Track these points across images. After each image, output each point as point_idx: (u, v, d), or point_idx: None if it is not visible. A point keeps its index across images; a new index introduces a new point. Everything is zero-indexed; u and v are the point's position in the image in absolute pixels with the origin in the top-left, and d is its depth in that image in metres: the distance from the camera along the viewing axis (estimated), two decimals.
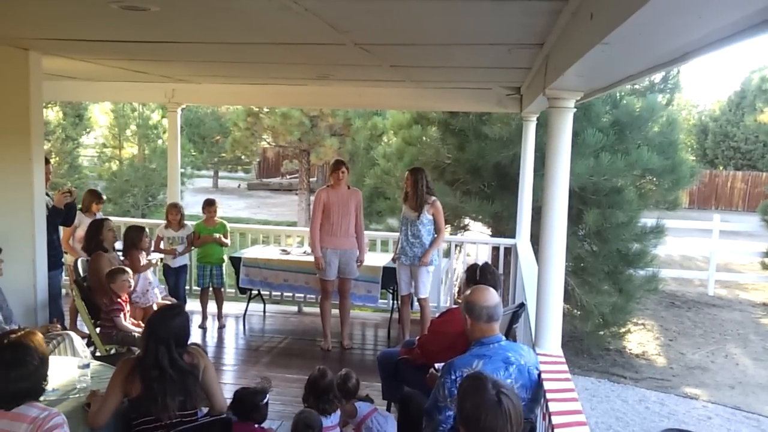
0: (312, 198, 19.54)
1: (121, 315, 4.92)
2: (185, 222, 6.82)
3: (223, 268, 6.99)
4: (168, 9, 3.01)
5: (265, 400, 3.67)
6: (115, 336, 4.90)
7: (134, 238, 5.66)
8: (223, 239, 6.83)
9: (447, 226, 9.98)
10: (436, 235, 6.08)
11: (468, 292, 3.31)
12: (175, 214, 6.70)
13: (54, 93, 8.51)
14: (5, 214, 4.77)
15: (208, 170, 28.46)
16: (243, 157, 24.94)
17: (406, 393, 3.89)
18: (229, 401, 3.54)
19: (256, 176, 31.31)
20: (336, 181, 6.16)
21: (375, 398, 4.54)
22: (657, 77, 9.90)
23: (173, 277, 6.64)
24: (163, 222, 6.88)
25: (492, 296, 3.21)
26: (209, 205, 6.88)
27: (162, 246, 6.66)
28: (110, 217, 6.51)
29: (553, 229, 3.62)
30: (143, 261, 5.61)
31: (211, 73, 6.34)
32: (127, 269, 5.06)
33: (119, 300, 4.92)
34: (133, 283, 5.15)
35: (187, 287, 7.82)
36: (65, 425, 2.56)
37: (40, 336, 2.74)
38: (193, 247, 6.81)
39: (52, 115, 17.49)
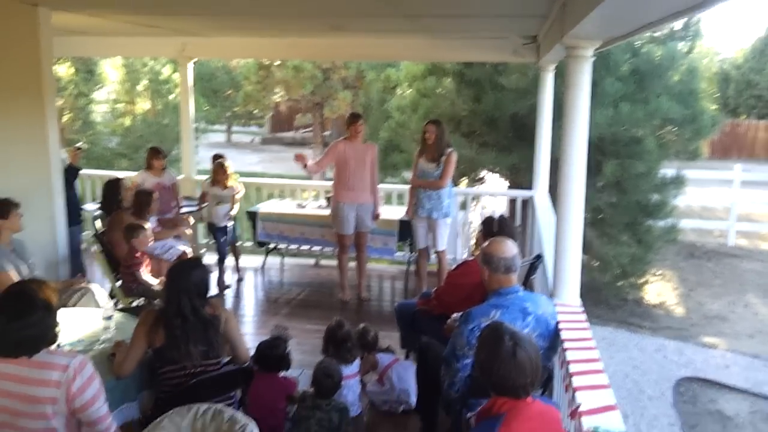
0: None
1: (142, 268, 4.98)
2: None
3: (237, 223, 7.03)
4: None
5: (288, 348, 3.73)
6: (136, 289, 4.97)
7: (143, 202, 5.58)
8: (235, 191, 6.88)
9: (464, 178, 9.93)
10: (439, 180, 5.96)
11: (486, 243, 3.31)
12: (222, 172, 6.54)
13: (64, 49, 8.45)
14: (22, 170, 4.80)
15: (221, 125, 28.37)
16: (255, 111, 24.82)
17: (423, 342, 3.93)
18: (252, 352, 3.60)
19: (269, 131, 31.16)
20: (353, 134, 6.11)
21: (394, 348, 4.61)
22: (677, 24, 9.62)
23: (221, 234, 6.59)
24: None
25: (510, 248, 3.22)
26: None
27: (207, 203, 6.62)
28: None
29: (572, 180, 3.57)
30: (149, 225, 5.58)
31: (222, 26, 6.25)
32: (145, 226, 5.10)
33: (137, 255, 4.97)
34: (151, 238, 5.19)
35: (204, 241, 7.90)
36: (96, 371, 2.60)
37: (47, 285, 2.73)
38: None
39: (63, 71, 17.40)
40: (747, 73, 28.69)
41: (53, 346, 2.63)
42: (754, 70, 28.39)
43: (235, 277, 7.06)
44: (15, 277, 3.95)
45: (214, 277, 6.40)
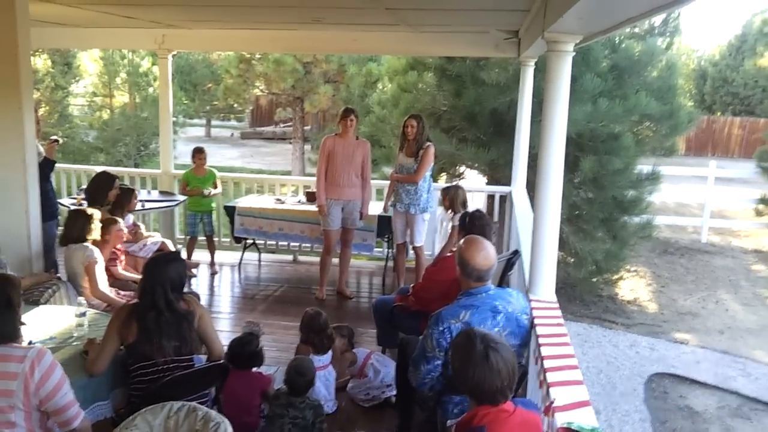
0: (306, 147, 19.42)
1: (118, 264, 4.93)
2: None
3: (213, 216, 7.00)
4: None
5: (261, 345, 3.73)
6: (113, 284, 4.92)
7: (124, 200, 5.57)
8: (213, 191, 6.86)
9: (443, 174, 9.95)
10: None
11: (464, 244, 3.25)
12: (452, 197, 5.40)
13: (41, 40, 8.30)
14: None
15: (201, 119, 28.14)
16: (236, 105, 24.61)
17: (403, 339, 3.95)
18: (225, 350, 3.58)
19: (249, 125, 30.96)
20: (344, 129, 6.03)
21: (371, 344, 4.62)
22: (657, 20, 9.71)
23: None
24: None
25: (486, 258, 3.15)
26: (199, 152, 6.86)
27: None
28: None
29: (550, 176, 3.59)
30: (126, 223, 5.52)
31: (202, 18, 6.19)
32: (119, 219, 5.06)
33: (115, 250, 4.91)
34: (126, 233, 5.14)
35: (181, 236, 7.82)
36: (55, 360, 2.58)
37: (10, 281, 2.68)
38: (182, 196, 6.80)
39: (40, 63, 17.13)
40: (723, 70, 29.07)
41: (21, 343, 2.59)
42: (730, 67, 28.78)
43: (209, 271, 7.04)
44: None
45: None
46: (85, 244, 4.52)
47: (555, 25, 3.19)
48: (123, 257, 5.04)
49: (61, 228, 6.86)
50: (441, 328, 3.03)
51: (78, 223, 4.59)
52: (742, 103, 28.62)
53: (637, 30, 9.41)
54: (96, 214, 4.74)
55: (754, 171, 14.44)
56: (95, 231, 4.62)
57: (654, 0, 2.68)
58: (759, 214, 13.49)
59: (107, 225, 4.91)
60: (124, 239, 5.07)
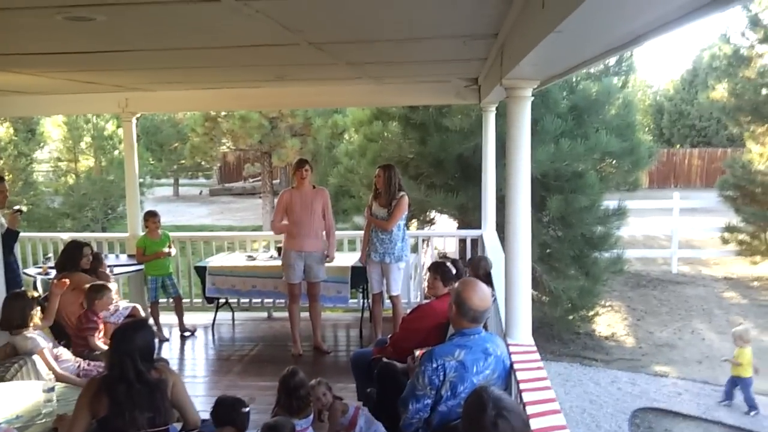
0: (276, 200, 19.43)
1: (96, 334, 4.82)
2: None
3: (174, 277, 6.90)
4: (115, 18, 2.92)
5: (247, 410, 3.59)
6: (87, 355, 4.78)
7: (96, 265, 5.53)
8: (169, 251, 6.79)
9: (413, 220, 10.00)
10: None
11: (461, 286, 3.26)
12: None
13: (2, 109, 8.24)
14: None
15: (168, 178, 28.02)
16: (203, 163, 24.58)
17: (382, 365, 3.87)
18: (209, 410, 3.46)
19: (218, 182, 30.94)
20: (299, 181, 6.08)
21: (351, 400, 4.52)
22: (611, 60, 10.04)
23: None
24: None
25: (482, 300, 3.18)
26: (152, 216, 6.78)
27: None
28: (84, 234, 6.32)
29: (518, 218, 3.63)
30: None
31: (165, 80, 6.21)
32: (111, 286, 4.98)
33: (96, 318, 4.81)
34: (115, 302, 5.07)
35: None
36: None
37: None
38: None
39: (2, 131, 16.99)
40: (679, 104, 30.14)
41: None
42: (685, 101, 29.84)
43: (180, 334, 6.88)
44: None
45: None
46: (26, 334, 4.26)
47: (512, 72, 3.28)
48: (102, 326, 4.91)
49: None
50: (435, 365, 3.01)
51: (17, 308, 4.34)
52: (699, 135, 29.61)
53: (592, 71, 9.71)
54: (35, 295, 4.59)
55: (716, 200, 14.79)
56: (37, 315, 4.41)
57: (605, 44, 2.77)
58: (725, 241, 13.77)
59: (101, 289, 4.85)
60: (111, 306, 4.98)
